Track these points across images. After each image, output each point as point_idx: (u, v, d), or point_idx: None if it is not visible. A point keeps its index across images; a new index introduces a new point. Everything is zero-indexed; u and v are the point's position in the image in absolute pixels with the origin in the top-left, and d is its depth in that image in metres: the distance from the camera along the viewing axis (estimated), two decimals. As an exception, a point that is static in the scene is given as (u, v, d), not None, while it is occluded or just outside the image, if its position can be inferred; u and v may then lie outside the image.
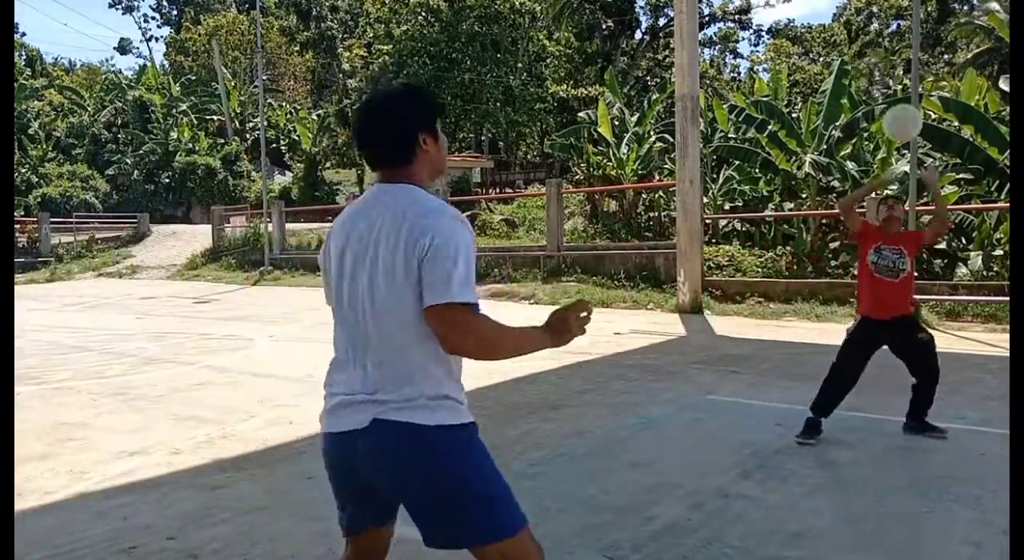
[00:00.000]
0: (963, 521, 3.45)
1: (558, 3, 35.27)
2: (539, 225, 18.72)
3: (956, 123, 12.42)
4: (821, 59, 47.24)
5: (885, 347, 4.71)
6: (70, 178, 33.74)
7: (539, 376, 6.64)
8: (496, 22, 32.22)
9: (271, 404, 5.99)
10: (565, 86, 35.10)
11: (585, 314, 1.93)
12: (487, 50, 32.24)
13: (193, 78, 44.26)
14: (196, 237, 25.30)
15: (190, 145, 36.16)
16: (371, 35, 37.29)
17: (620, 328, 9.30)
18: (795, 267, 12.42)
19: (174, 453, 4.69)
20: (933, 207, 5.05)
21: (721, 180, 16.35)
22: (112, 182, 35.25)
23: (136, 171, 35.33)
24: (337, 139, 40.05)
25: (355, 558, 2.00)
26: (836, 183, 13.91)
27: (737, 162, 15.73)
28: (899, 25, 43.94)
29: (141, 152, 35.53)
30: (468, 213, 17.75)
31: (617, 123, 19.24)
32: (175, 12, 64.27)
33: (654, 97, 20.18)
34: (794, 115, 16.20)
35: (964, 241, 12.22)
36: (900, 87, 22.59)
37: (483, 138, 38.74)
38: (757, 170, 15.15)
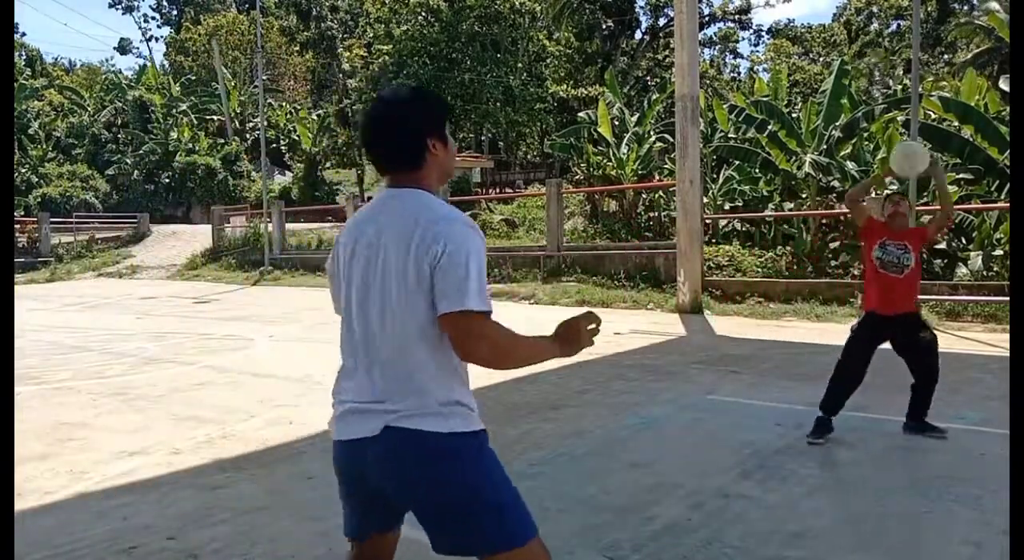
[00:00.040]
0: (963, 521, 3.45)
1: (558, 3, 35.27)
2: (539, 225, 18.72)
3: (956, 123, 12.42)
4: (821, 59, 47.25)
5: (887, 346, 4.71)
6: (70, 178, 33.74)
7: (539, 376, 6.64)
8: (496, 22, 32.21)
9: (271, 404, 5.99)
10: (565, 86, 35.11)
11: (594, 326, 1.94)
12: (487, 50, 32.24)
13: (193, 78, 44.27)
14: (196, 237, 25.31)
15: (190, 145, 36.17)
16: (371, 35, 37.28)
17: (620, 328, 9.30)
18: (795, 267, 12.42)
19: (174, 453, 4.69)
20: (937, 205, 5.05)
21: (721, 180, 16.35)
22: (112, 182, 35.26)
23: (136, 171, 35.34)
24: (337, 139, 40.07)
25: None
26: (836, 183, 13.91)
27: (737, 162, 15.73)
28: (899, 25, 43.94)
29: (141, 152, 35.54)
30: (468, 213, 17.72)
31: (617, 123, 19.24)
32: (175, 12, 64.28)
33: (654, 97, 20.18)
34: (794, 115, 16.21)
35: (964, 241, 12.22)
36: (900, 87, 22.60)
37: (483, 138, 38.74)
38: (757, 170, 15.15)
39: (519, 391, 6.20)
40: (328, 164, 41.80)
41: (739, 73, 50.85)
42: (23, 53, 51.19)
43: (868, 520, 3.49)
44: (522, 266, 14.85)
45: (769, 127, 14.30)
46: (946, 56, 37.84)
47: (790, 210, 14.34)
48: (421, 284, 1.73)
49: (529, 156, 40.99)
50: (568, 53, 37.10)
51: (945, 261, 11.74)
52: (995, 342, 8.30)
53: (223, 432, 5.16)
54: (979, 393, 5.86)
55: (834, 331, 9.28)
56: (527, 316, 10.29)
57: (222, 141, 38.21)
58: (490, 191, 33.55)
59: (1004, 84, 17.05)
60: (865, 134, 14.56)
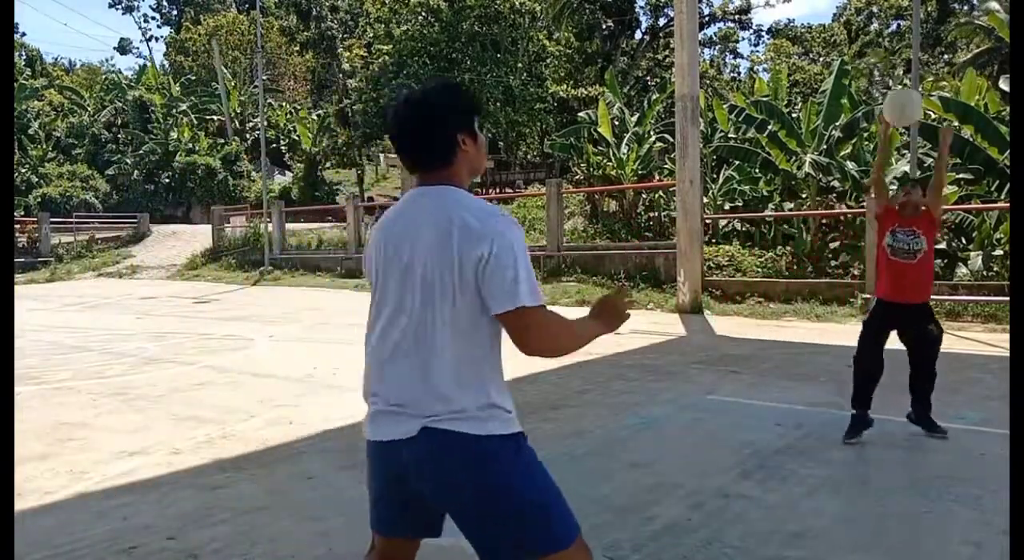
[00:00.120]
0: (963, 521, 3.45)
1: (558, 3, 35.26)
2: (539, 225, 18.72)
3: (956, 123, 12.42)
4: (821, 59, 47.24)
5: (888, 347, 4.71)
6: (70, 178, 33.76)
7: (539, 376, 6.64)
8: (496, 22, 32.19)
9: (271, 404, 5.99)
10: (565, 86, 35.09)
11: (628, 300, 1.97)
12: (487, 50, 32.23)
13: (193, 78, 44.28)
14: (196, 237, 25.31)
15: (190, 145, 36.19)
16: (371, 35, 37.26)
17: (620, 328, 9.29)
18: (795, 267, 12.42)
19: (174, 453, 4.69)
20: (933, 177, 5.02)
21: (721, 180, 16.35)
22: (112, 182, 35.27)
23: (136, 171, 35.36)
24: (337, 139, 40.07)
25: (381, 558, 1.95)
26: (836, 183, 13.91)
27: (737, 162, 15.73)
28: (899, 25, 43.94)
29: (141, 152, 35.56)
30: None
31: (617, 123, 19.23)
32: (175, 12, 64.29)
33: (654, 97, 20.17)
34: (794, 115, 16.21)
35: (964, 241, 12.23)
36: (900, 87, 22.56)
37: (483, 138, 38.62)
38: (757, 170, 15.15)
39: (519, 391, 6.20)
40: (328, 164, 41.83)
41: (739, 73, 50.85)
42: (23, 53, 51.20)
43: (868, 520, 3.49)
44: (522, 266, 14.82)
45: (769, 127, 14.30)
46: (946, 56, 37.84)
47: (790, 210, 14.34)
48: (462, 285, 1.72)
49: (529, 156, 40.98)
50: (568, 53, 37.09)
51: (945, 261, 11.75)
52: (995, 342, 8.30)
53: (223, 432, 5.16)
54: (979, 393, 5.87)
55: (834, 331, 9.29)
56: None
57: (222, 141, 38.22)
58: (490, 191, 33.55)
59: (1004, 84, 17.06)
60: (865, 134, 14.56)
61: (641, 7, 40.01)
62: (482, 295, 1.72)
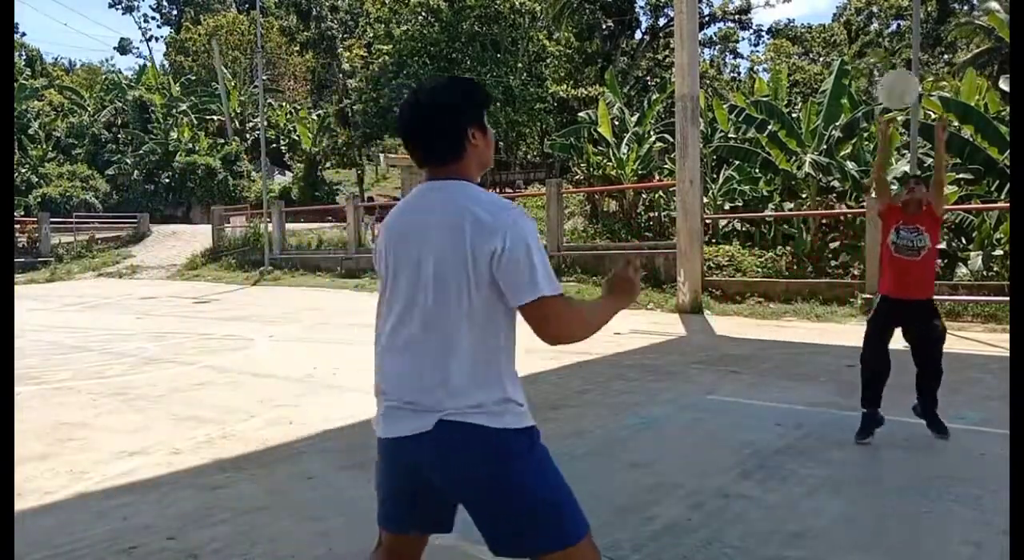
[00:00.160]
0: (963, 521, 3.45)
1: (558, 3, 35.26)
2: (539, 225, 18.70)
3: (956, 123, 12.42)
4: (821, 59, 47.24)
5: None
6: (70, 178, 33.76)
7: (539, 376, 6.64)
8: (496, 22, 32.20)
9: (271, 404, 5.99)
10: (565, 86, 35.09)
11: (637, 268, 1.97)
12: (487, 50, 32.23)
13: (193, 78, 44.29)
14: (196, 237, 25.31)
15: (190, 145, 36.20)
16: (371, 35, 37.28)
17: (620, 328, 9.30)
18: (795, 267, 12.42)
19: (174, 453, 4.69)
20: (933, 175, 5.00)
21: (721, 180, 16.35)
22: (112, 182, 35.27)
23: (136, 171, 35.36)
24: (337, 139, 40.08)
25: (388, 558, 1.95)
26: (836, 183, 13.91)
27: (737, 162, 15.73)
28: (899, 25, 43.94)
29: (141, 152, 35.56)
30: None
31: (617, 123, 19.23)
32: (175, 12, 64.29)
33: (654, 97, 20.17)
34: (794, 115, 16.21)
35: (964, 241, 12.23)
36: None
37: (483, 138, 38.60)
38: (757, 170, 15.15)
39: (519, 391, 6.19)
40: (328, 164, 41.83)
41: (739, 73, 50.85)
42: (23, 53, 51.20)
43: (868, 520, 3.49)
44: (522, 266, 14.82)
45: (769, 127, 14.30)
46: (946, 56, 37.83)
47: (790, 210, 14.35)
48: (476, 279, 1.72)
49: (529, 156, 40.98)
50: (568, 53, 37.09)
51: (945, 261, 11.75)
52: (995, 342, 8.30)
53: (223, 432, 5.16)
54: (979, 393, 5.87)
55: (834, 331, 9.29)
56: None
57: (222, 141, 38.23)
58: (490, 191, 33.49)
59: (1004, 84, 17.05)
60: (865, 134, 14.56)
61: (641, 7, 40.02)
62: (500, 288, 1.72)
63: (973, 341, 8.55)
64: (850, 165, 14.18)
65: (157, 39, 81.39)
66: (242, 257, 21.54)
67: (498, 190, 34.76)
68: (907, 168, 11.22)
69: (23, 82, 38.86)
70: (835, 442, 4.67)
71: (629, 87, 34.39)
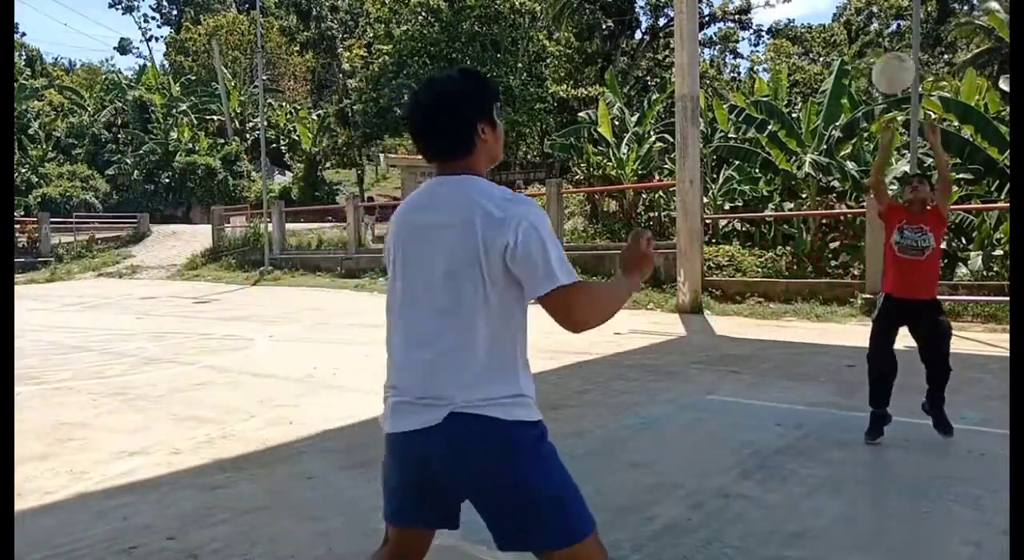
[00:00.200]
0: (963, 521, 3.45)
1: (558, 3, 35.25)
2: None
3: (956, 123, 12.42)
4: (821, 59, 47.24)
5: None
6: (70, 178, 33.77)
7: (539, 376, 6.59)
8: (496, 22, 32.20)
9: (271, 404, 5.99)
10: (565, 86, 35.09)
11: (648, 241, 1.95)
12: (487, 50, 32.23)
13: (193, 78, 44.30)
14: (196, 237, 25.32)
15: (190, 145, 36.20)
16: (371, 35, 37.28)
17: (620, 328, 9.30)
18: (795, 267, 12.42)
19: (174, 453, 4.69)
20: (936, 168, 4.97)
21: (721, 180, 16.35)
22: (112, 182, 35.28)
23: (136, 171, 35.37)
24: (337, 139, 40.07)
25: (395, 554, 1.94)
26: (836, 183, 13.91)
27: (737, 162, 15.73)
28: (899, 25, 43.94)
29: (141, 152, 35.57)
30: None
31: (617, 123, 19.23)
32: (175, 12, 64.30)
33: (654, 97, 20.17)
34: (794, 115, 16.21)
35: (964, 241, 12.23)
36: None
37: (483, 138, 38.58)
38: (757, 170, 15.15)
39: (519, 391, 6.19)
40: (328, 164, 41.83)
41: (739, 73, 50.85)
42: (23, 53, 51.21)
43: (868, 520, 3.49)
44: (522, 266, 14.82)
45: (769, 127, 14.30)
46: (946, 56, 37.83)
47: (790, 210, 14.35)
48: (489, 273, 1.72)
49: (529, 156, 40.98)
50: (568, 53, 37.09)
51: (945, 261, 11.75)
52: (995, 342, 8.30)
53: (223, 432, 5.16)
54: (979, 393, 5.86)
55: (834, 331, 9.29)
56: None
57: (222, 141, 38.24)
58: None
59: (1004, 84, 17.06)
60: (865, 134, 14.56)
61: (641, 7, 40.01)
62: (514, 281, 1.73)
63: (973, 341, 8.55)
64: (850, 165, 14.18)
65: (157, 39, 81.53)
66: (242, 257, 21.54)
67: (498, 190, 34.69)
68: (907, 168, 11.22)
69: (23, 82, 38.88)
70: (835, 442, 4.66)
71: (629, 87, 34.39)
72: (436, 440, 1.74)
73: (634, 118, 19.42)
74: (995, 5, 23.25)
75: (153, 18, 72.45)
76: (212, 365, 7.79)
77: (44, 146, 36.36)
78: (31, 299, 15.71)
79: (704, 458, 4.43)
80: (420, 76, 30.96)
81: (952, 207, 11.54)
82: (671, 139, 15.14)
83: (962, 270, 11.47)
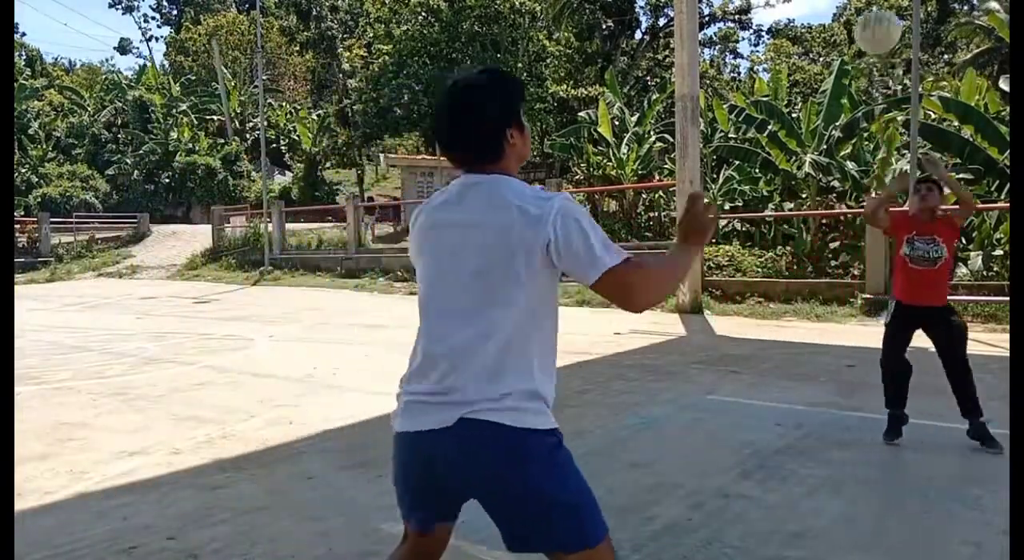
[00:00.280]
0: (963, 521, 3.45)
1: (558, 3, 35.25)
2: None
3: (956, 123, 12.42)
4: (821, 59, 47.22)
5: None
6: (70, 178, 33.76)
7: (539, 376, 6.62)
8: (496, 22, 32.19)
9: (271, 404, 5.99)
10: (565, 86, 35.08)
11: (705, 205, 1.87)
12: (487, 50, 32.22)
13: (193, 78, 44.30)
14: (196, 237, 25.32)
15: (190, 145, 36.20)
16: (371, 35, 37.26)
17: (620, 328, 9.30)
18: (795, 267, 12.42)
19: (174, 453, 4.69)
20: (953, 197, 4.90)
21: (721, 180, 16.36)
22: (112, 182, 35.27)
23: (136, 171, 35.36)
24: (337, 139, 40.05)
25: (414, 554, 1.93)
26: (836, 183, 13.92)
27: (737, 162, 15.74)
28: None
29: (141, 152, 35.56)
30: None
31: (617, 123, 19.24)
32: (175, 12, 64.30)
33: (654, 97, 20.19)
34: (794, 115, 16.22)
35: (964, 241, 12.22)
36: (900, 87, 22.56)
37: (483, 138, 38.58)
38: (757, 170, 15.15)
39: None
40: (328, 164, 41.82)
41: (739, 73, 50.85)
42: (23, 53, 51.20)
43: (868, 520, 3.49)
44: (522, 266, 14.82)
45: (769, 127, 14.31)
46: (946, 56, 37.83)
47: (790, 210, 14.35)
48: (521, 272, 1.70)
49: (529, 156, 40.97)
50: (568, 53, 37.08)
51: (945, 261, 11.74)
52: (995, 342, 8.29)
53: (223, 432, 5.16)
54: (979, 393, 5.82)
55: (834, 331, 9.29)
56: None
57: (222, 141, 38.23)
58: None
59: (1004, 84, 17.04)
60: (865, 134, 14.57)
61: (641, 7, 40.00)
62: (551, 280, 1.73)
63: (973, 341, 8.48)
64: (850, 165, 14.19)
65: (157, 39, 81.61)
66: (242, 257, 21.54)
67: (498, 190, 34.70)
68: (907, 168, 11.22)
69: (23, 82, 38.87)
70: (835, 442, 4.66)
71: (629, 87, 34.41)
72: (447, 442, 1.72)
73: (634, 118, 19.43)
74: (995, 5, 23.25)
75: (153, 18, 72.47)
76: (212, 365, 7.79)
77: (44, 146, 36.36)
78: (31, 299, 15.71)
79: (704, 458, 4.43)
80: (420, 76, 30.99)
81: (952, 207, 11.54)
82: (671, 139, 15.14)
83: (962, 270, 11.47)
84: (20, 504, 3.72)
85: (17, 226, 24.51)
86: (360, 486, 4.00)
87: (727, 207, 16.25)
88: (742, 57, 53.52)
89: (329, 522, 3.53)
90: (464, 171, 1.84)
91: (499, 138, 1.79)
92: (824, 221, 13.42)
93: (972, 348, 8.04)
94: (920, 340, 4.68)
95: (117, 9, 66.90)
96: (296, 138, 40.22)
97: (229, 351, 8.75)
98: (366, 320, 11.29)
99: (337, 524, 3.50)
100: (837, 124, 14.18)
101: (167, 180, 35.25)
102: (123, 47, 71.21)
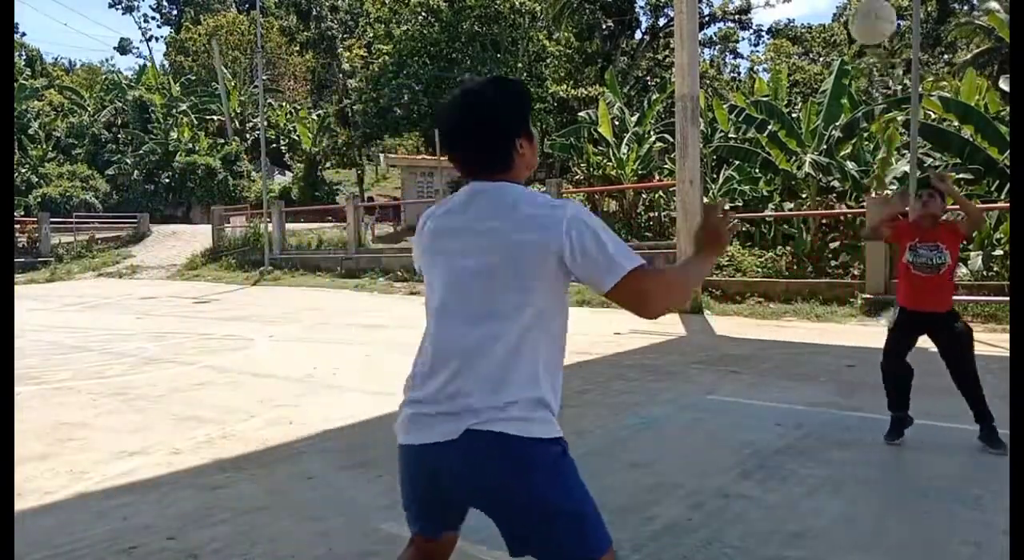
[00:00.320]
0: (963, 521, 3.45)
1: (558, 3, 35.25)
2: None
3: (956, 123, 12.42)
4: (821, 59, 47.22)
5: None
6: (70, 178, 33.76)
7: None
8: (496, 22, 32.20)
9: (271, 404, 5.99)
10: (565, 86, 35.07)
11: (723, 214, 1.89)
12: (487, 50, 32.23)
13: (193, 78, 44.30)
14: (196, 237, 25.32)
15: (190, 145, 36.19)
16: (371, 35, 37.27)
17: (620, 328, 9.30)
18: (795, 267, 12.42)
19: (174, 453, 4.69)
20: (960, 211, 4.82)
21: (721, 180, 16.36)
22: (112, 182, 35.27)
23: (136, 171, 35.36)
24: (337, 139, 40.05)
25: (418, 557, 1.93)
26: (836, 183, 13.91)
27: (737, 162, 15.74)
28: (899, 25, 43.88)
29: (141, 152, 35.56)
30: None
31: (617, 123, 19.24)
32: (175, 12, 64.32)
33: (654, 97, 20.18)
34: (794, 115, 16.22)
35: (965, 241, 12.21)
36: (900, 87, 22.54)
37: (483, 138, 38.60)
38: (757, 170, 15.15)
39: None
40: (328, 164, 41.82)
41: (739, 73, 50.85)
42: (23, 53, 51.20)
43: (868, 520, 3.49)
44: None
45: (769, 127, 14.30)
46: (946, 56, 37.83)
47: (790, 210, 14.35)
48: (530, 278, 1.70)
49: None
50: (568, 53, 37.08)
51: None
52: (995, 342, 8.29)
53: (223, 432, 5.16)
54: (979, 393, 5.85)
55: (834, 331, 9.29)
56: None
57: (222, 141, 38.22)
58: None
59: (1004, 84, 17.04)
60: (865, 134, 14.56)
61: (641, 7, 39.99)
62: (560, 286, 1.73)
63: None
64: (850, 165, 14.18)
65: (157, 39, 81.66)
66: (242, 257, 21.54)
67: (498, 190, 34.69)
68: (907, 168, 11.22)
69: (23, 82, 38.87)
70: (835, 442, 4.66)
71: (629, 87, 34.40)
72: (453, 454, 1.71)
73: (634, 118, 19.43)
74: (995, 5, 23.24)
75: (153, 18, 72.56)
76: (212, 365, 7.79)
77: (44, 146, 36.35)
78: (31, 299, 15.71)
79: (704, 458, 4.43)
80: (420, 76, 30.99)
81: (952, 207, 11.53)
82: (671, 139, 15.15)
83: (962, 270, 11.46)
84: (20, 504, 3.72)
85: (17, 226, 24.51)
86: (360, 486, 4.00)
87: (727, 206, 16.24)
88: (742, 57, 53.57)
89: (329, 522, 3.53)
90: (471, 179, 1.83)
91: (509, 148, 1.79)
92: (824, 221, 13.42)
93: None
94: (921, 341, 4.67)
95: (117, 9, 66.97)
96: (296, 138, 40.22)
97: (229, 351, 8.76)
98: (366, 320, 11.29)
99: (337, 524, 3.50)
100: (837, 124, 14.18)
101: (167, 180, 35.24)
102: (123, 47, 71.27)
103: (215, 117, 40.79)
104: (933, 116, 13.51)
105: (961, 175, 12.30)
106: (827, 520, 3.48)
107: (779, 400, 5.78)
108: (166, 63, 53.66)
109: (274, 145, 40.04)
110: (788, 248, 13.14)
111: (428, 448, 1.74)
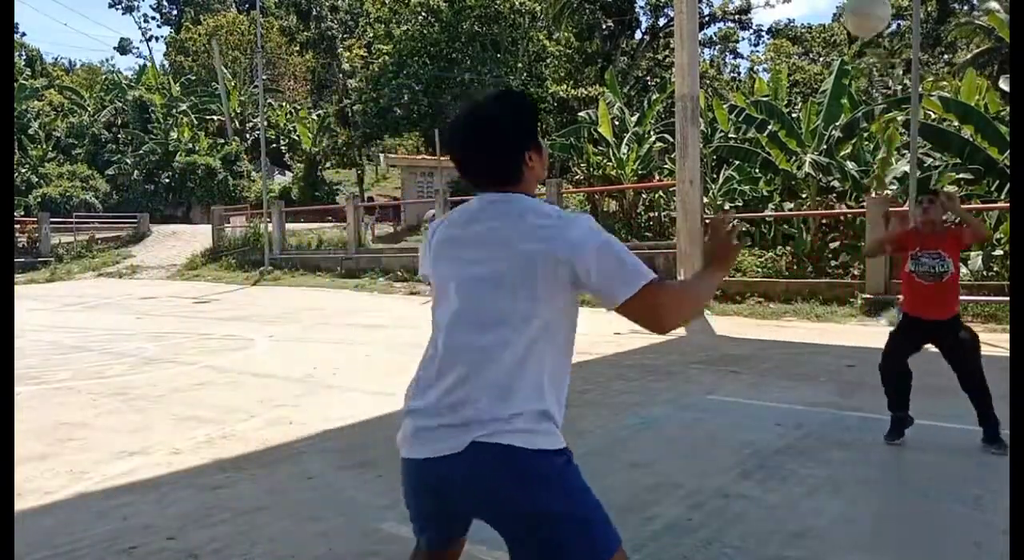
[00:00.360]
0: (963, 521, 3.45)
1: (558, 3, 35.26)
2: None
3: (956, 123, 12.42)
4: (821, 59, 47.22)
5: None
6: (70, 178, 33.76)
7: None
8: (496, 22, 32.20)
9: (271, 404, 5.99)
10: (565, 86, 35.08)
11: (731, 228, 1.90)
12: (487, 50, 32.23)
13: (193, 78, 44.30)
14: (196, 237, 25.32)
15: (190, 145, 36.19)
16: (371, 35, 37.30)
17: (620, 328, 9.30)
18: (795, 267, 12.42)
19: (174, 453, 4.69)
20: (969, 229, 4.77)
21: (721, 180, 16.36)
22: (112, 182, 35.27)
23: (136, 171, 35.36)
24: (337, 139, 40.07)
25: None
26: (836, 183, 13.91)
27: (737, 162, 15.73)
28: (899, 25, 43.88)
29: (141, 152, 35.56)
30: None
31: (617, 123, 19.23)
32: (175, 12, 64.32)
33: (654, 97, 20.18)
34: (794, 115, 16.22)
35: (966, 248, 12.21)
36: (900, 87, 22.53)
37: (483, 138, 38.61)
38: (757, 170, 15.15)
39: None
40: (328, 164, 41.82)
41: (739, 73, 50.87)
42: (23, 53, 51.20)
43: (868, 520, 3.49)
44: (522, 266, 14.82)
45: (769, 127, 14.30)
46: (946, 56, 37.83)
47: (790, 210, 14.34)
48: (539, 289, 1.69)
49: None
50: (568, 53, 37.10)
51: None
52: (995, 342, 8.28)
53: (223, 432, 5.16)
54: (979, 393, 5.85)
55: (834, 331, 9.29)
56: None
57: (222, 141, 38.23)
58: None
59: (1004, 84, 17.03)
60: (865, 134, 14.56)
61: (641, 7, 40.01)
62: (569, 298, 1.74)
63: (973, 341, 8.54)
64: (850, 165, 14.18)
65: (157, 39, 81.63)
66: (242, 257, 21.55)
67: (498, 190, 34.69)
68: (907, 168, 11.22)
69: (23, 82, 38.88)
70: (835, 442, 4.66)
71: (629, 87, 34.40)
72: (457, 467, 1.70)
73: (634, 118, 19.43)
74: (995, 5, 23.24)
75: (153, 18, 72.61)
76: (212, 365, 7.79)
77: (44, 146, 36.35)
78: (31, 299, 15.72)
79: (704, 458, 4.43)
80: (420, 76, 31.00)
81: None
82: (671, 139, 15.14)
83: (962, 270, 11.47)
84: (20, 504, 3.72)
85: (17, 226, 24.51)
86: (360, 486, 4.00)
87: (727, 207, 16.24)
88: (742, 57, 53.60)
89: (329, 522, 3.53)
90: (481, 191, 1.84)
91: (519, 162, 1.81)
92: (824, 221, 13.42)
93: (972, 348, 8.04)
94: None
95: (117, 9, 66.98)
96: (296, 138, 40.22)
97: (229, 351, 8.76)
98: (366, 320, 11.29)
99: (337, 524, 3.50)
100: (837, 124, 14.18)
101: (167, 180, 35.24)
102: (123, 47, 71.28)
103: (215, 117, 40.79)
104: (933, 116, 13.51)
105: (961, 175, 12.30)
106: (827, 520, 3.48)
107: (779, 400, 5.78)
108: (166, 63, 53.67)
109: (274, 145, 40.04)
110: (788, 248, 13.14)
111: (432, 462, 1.73)
